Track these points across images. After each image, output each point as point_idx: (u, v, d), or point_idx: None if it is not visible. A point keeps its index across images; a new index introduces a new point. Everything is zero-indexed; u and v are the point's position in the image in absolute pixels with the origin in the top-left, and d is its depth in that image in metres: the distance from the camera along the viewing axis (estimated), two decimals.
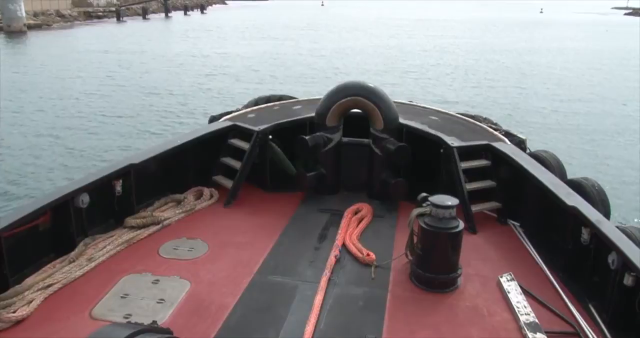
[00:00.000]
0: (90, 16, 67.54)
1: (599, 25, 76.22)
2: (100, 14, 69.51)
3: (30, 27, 50.15)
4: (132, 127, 16.89)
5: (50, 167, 13.17)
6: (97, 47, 37.41)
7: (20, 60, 31.19)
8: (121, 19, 66.65)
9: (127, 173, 5.20)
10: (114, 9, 70.46)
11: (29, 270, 4.22)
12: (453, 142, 5.63)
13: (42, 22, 55.67)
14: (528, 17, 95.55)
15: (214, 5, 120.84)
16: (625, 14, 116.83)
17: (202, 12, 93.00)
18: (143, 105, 20.11)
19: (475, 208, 5.38)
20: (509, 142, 6.02)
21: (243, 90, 22.02)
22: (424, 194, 4.39)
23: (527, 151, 6.38)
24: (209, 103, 20.50)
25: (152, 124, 17.40)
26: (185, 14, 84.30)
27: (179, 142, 5.96)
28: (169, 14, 77.78)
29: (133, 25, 60.27)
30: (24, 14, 48.67)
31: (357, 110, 5.94)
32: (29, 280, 4.06)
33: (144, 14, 72.52)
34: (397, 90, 21.55)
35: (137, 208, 5.39)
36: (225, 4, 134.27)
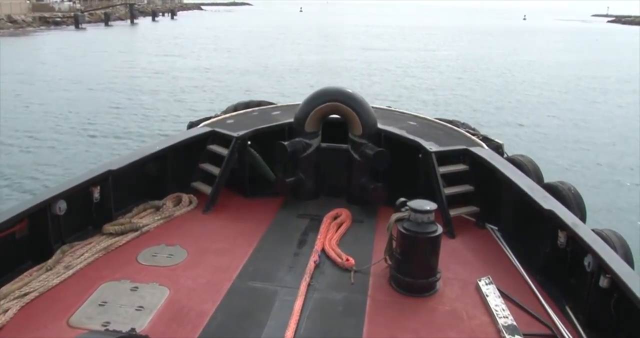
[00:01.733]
0: (47, 22, 65.39)
1: (587, 34, 77.56)
2: (59, 19, 67.27)
3: None
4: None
5: (26, 174, 13.08)
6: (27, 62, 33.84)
7: None
8: (80, 25, 64.17)
9: (105, 179, 5.31)
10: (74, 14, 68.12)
11: (5, 279, 4.29)
12: (431, 147, 5.87)
13: None
14: (512, 25, 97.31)
15: (188, 11, 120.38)
16: (608, 21, 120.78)
17: (172, 18, 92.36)
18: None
19: (453, 212, 5.62)
20: (486, 147, 6.29)
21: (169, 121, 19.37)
22: (403, 199, 4.58)
23: (505, 156, 6.62)
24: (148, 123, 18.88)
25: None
26: (153, 19, 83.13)
27: (158, 148, 6.10)
28: (135, 21, 76.34)
29: (91, 33, 57.99)
30: None
31: (335, 116, 6.17)
32: (4, 289, 4.10)
33: (107, 20, 70.67)
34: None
35: (115, 215, 5.50)
36: (201, 8, 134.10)
